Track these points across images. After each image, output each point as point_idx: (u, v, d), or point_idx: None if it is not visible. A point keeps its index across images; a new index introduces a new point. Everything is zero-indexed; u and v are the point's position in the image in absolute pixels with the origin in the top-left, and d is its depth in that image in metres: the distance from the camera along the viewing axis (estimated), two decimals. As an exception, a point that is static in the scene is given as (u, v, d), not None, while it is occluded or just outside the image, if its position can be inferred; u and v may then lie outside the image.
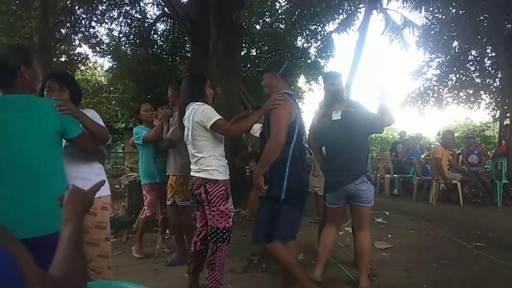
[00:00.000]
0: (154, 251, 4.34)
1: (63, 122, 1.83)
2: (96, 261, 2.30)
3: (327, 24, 11.92)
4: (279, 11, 11.75)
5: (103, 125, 2.23)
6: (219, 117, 2.63)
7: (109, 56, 12.03)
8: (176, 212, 3.86)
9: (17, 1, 7.81)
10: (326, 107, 3.25)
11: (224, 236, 2.71)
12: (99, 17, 10.80)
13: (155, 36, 11.33)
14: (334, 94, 3.21)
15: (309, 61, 12.33)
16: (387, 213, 6.16)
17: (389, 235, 4.83)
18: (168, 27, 11.28)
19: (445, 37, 11.84)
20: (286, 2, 11.11)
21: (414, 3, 9.67)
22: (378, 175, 9.16)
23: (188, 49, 9.89)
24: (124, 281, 1.42)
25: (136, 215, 5.43)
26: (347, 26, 11.59)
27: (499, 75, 12.17)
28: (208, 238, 2.76)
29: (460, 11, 10.01)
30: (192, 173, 2.77)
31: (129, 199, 5.92)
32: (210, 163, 2.66)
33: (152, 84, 9.29)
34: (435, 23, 11.44)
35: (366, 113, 3.17)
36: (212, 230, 2.71)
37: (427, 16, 11.39)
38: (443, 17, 10.98)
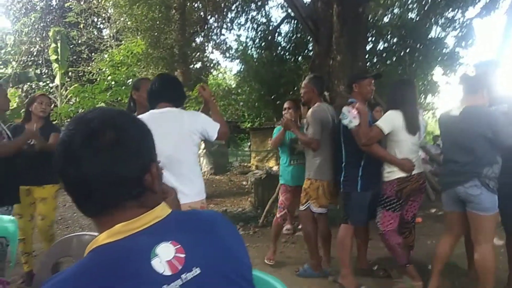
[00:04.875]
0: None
1: None
2: None
3: (466, 10, 10.61)
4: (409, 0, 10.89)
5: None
6: None
7: (237, 61, 12.91)
8: (309, 219, 3.50)
9: (160, 15, 8.91)
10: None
11: None
12: (229, 24, 11.68)
13: (279, 38, 11.63)
14: (467, 83, 2.79)
15: (444, 51, 11.10)
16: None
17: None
18: (292, 28, 11.48)
19: None
20: (417, -10, 10.27)
21: None
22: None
23: (311, 48, 9.90)
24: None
25: (262, 210, 5.69)
26: (491, 10, 10.12)
27: None
28: (407, 226, 3.12)
29: None
30: (416, 171, 2.96)
31: (255, 195, 6.28)
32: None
33: (275, 85, 9.56)
34: None
35: (491, 114, 2.60)
36: (413, 217, 3.16)
37: None
38: None
